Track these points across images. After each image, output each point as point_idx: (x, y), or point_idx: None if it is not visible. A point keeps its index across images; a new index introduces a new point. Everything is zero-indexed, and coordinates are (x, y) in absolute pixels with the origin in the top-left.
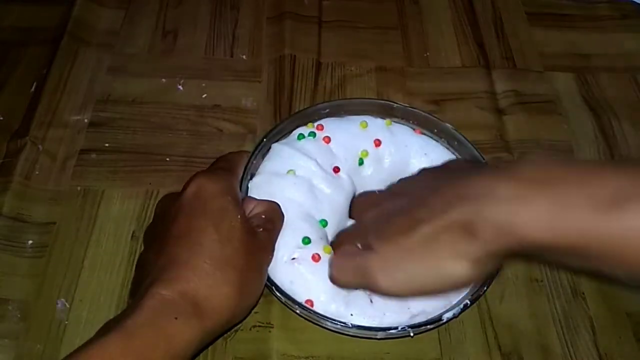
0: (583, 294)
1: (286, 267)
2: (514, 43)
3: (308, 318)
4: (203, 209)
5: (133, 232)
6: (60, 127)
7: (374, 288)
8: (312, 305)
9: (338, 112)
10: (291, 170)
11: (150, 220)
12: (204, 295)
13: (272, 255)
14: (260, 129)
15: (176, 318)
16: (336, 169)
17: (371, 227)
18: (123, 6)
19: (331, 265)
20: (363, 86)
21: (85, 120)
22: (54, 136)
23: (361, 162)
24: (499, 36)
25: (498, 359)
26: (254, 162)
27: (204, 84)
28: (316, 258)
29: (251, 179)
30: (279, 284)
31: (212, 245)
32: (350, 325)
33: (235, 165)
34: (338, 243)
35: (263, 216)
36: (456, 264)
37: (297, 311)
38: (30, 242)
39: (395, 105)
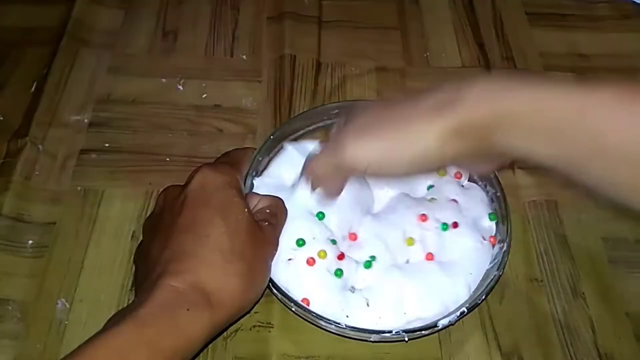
0: (583, 294)
1: (283, 266)
2: (514, 43)
3: (303, 316)
4: (209, 201)
5: (133, 232)
6: (61, 127)
7: (341, 157)
8: (308, 304)
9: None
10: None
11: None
12: (213, 287)
13: (276, 249)
14: (261, 129)
15: (188, 309)
16: None
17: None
18: (123, 6)
19: (307, 164)
20: (363, 86)
21: (85, 120)
22: (54, 136)
23: None
24: (499, 36)
25: (498, 359)
26: (260, 159)
27: (204, 84)
28: (310, 262)
29: (257, 175)
30: (276, 281)
31: (219, 237)
32: (345, 326)
33: (240, 160)
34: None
35: (267, 210)
36: (427, 129)
37: (293, 309)
38: (30, 242)
39: None
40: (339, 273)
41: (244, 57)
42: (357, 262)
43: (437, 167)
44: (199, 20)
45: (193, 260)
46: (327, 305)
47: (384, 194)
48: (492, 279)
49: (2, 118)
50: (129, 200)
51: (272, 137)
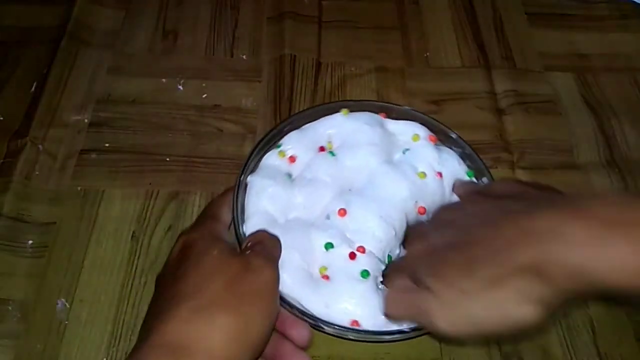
0: None
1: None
2: (514, 43)
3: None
4: (185, 258)
5: (133, 232)
6: (61, 127)
7: (433, 329)
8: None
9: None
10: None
11: (150, 222)
12: (181, 344)
13: (274, 278)
14: (261, 129)
15: None
16: None
17: (422, 263)
18: (123, 6)
19: (385, 298)
20: (363, 86)
21: (86, 120)
22: (54, 136)
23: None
24: (499, 36)
25: (498, 359)
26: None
27: (204, 84)
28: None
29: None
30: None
31: (191, 289)
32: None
33: (218, 208)
34: (388, 275)
35: (249, 242)
36: (523, 307)
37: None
38: (31, 242)
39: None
40: (365, 274)
41: (244, 57)
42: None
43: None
44: (199, 20)
45: (166, 317)
46: (376, 318)
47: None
48: None
49: (2, 118)
50: (129, 200)
51: (265, 137)
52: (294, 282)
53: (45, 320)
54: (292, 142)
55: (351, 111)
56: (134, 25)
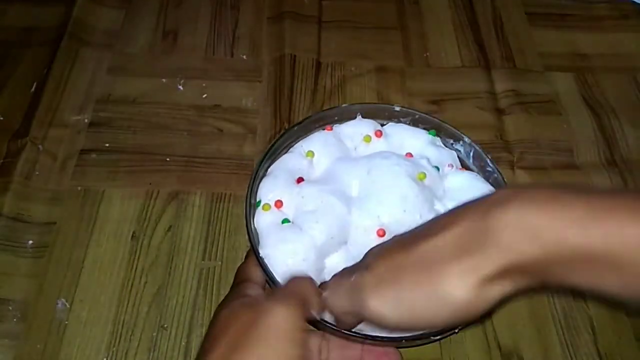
0: (583, 294)
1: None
2: (514, 43)
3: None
4: (266, 340)
5: (133, 233)
6: (61, 127)
7: (363, 310)
8: None
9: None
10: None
11: (151, 222)
12: None
13: (285, 312)
14: (261, 129)
15: None
16: None
17: (370, 250)
18: (123, 6)
19: (327, 292)
20: (363, 86)
21: (86, 120)
22: (54, 136)
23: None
24: (499, 36)
25: (498, 359)
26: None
27: (204, 84)
28: None
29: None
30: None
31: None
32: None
33: (307, 295)
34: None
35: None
36: (457, 282)
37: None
38: (31, 242)
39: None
40: None
41: (244, 57)
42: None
43: (476, 317)
44: (199, 20)
45: None
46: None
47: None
48: None
49: (2, 118)
50: (129, 200)
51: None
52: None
53: (45, 320)
54: (269, 190)
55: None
56: (134, 25)
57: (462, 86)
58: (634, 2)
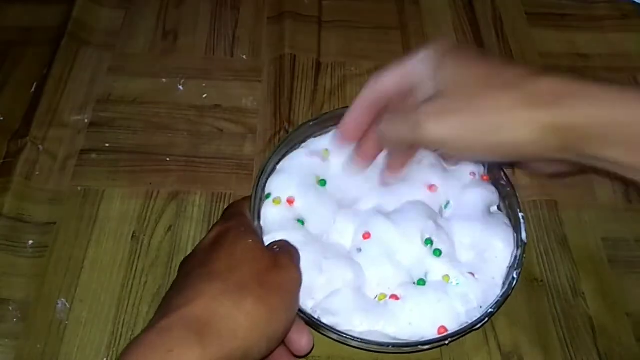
0: (583, 294)
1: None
2: (514, 43)
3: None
4: (218, 244)
5: (133, 233)
6: (61, 127)
7: (421, 135)
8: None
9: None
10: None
11: (151, 222)
12: (207, 320)
13: (299, 277)
14: (261, 129)
15: (171, 350)
16: None
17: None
18: (123, 6)
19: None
20: (363, 86)
21: (86, 120)
22: (54, 136)
23: None
24: (499, 36)
25: (498, 359)
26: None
27: (204, 84)
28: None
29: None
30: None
31: (223, 271)
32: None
33: (241, 207)
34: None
35: (275, 245)
36: (523, 121)
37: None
38: (31, 242)
39: None
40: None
41: (244, 57)
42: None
43: (524, 159)
44: (199, 20)
45: (190, 295)
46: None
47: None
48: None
49: (2, 118)
50: (129, 200)
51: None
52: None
53: (45, 320)
54: (283, 186)
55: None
56: (134, 25)
57: None
58: (634, 2)
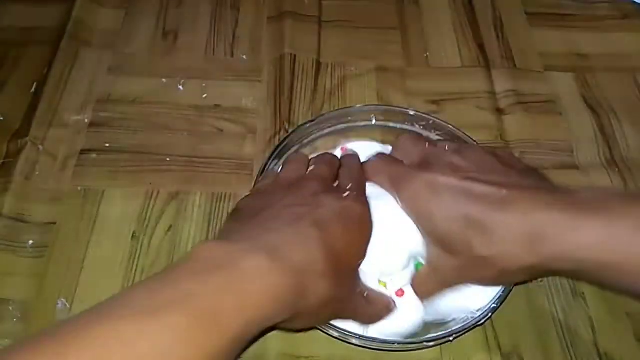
0: (583, 294)
1: None
2: (514, 43)
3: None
4: (288, 185)
5: (133, 232)
6: (61, 127)
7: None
8: None
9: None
10: None
11: (151, 222)
12: (284, 248)
13: (368, 211)
14: (261, 129)
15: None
16: None
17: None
18: (123, 6)
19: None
20: (363, 86)
21: (86, 120)
22: (54, 136)
23: None
24: (499, 36)
25: (498, 359)
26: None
27: (204, 84)
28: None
29: None
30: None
31: (304, 204)
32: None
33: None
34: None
35: (342, 180)
36: (515, 272)
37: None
38: (31, 242)
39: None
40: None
41: (244, 57)
42: None
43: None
44: (199, 20)
45: (272, 222)
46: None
47: None
48: None
49: (2, 118)
50: (129, 200)
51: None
52: None
53: (45, 320)
54: None
55: None
56: (134, 25)
57: (462, 86)
58: (634, 2)
